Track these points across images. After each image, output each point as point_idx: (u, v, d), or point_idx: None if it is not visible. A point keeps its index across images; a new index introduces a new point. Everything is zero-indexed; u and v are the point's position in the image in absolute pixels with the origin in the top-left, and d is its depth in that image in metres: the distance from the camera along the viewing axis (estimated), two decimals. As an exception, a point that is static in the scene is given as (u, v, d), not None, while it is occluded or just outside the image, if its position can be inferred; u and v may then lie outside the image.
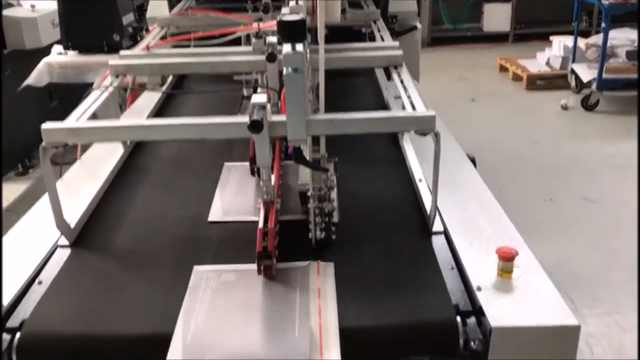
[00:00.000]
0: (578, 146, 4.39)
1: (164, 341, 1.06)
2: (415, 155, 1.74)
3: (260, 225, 1.18)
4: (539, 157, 4.26)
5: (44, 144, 1.21)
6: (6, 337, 1.08)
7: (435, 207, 1.34)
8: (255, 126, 1.10)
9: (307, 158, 1.26)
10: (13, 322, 1.11)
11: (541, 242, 3.13)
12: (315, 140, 1.34)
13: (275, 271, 1.19)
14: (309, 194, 1.28)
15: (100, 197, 1.56)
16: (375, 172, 1.71)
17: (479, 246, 1.28)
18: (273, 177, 1.28)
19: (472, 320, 1.09)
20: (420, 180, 1.59)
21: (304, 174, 1.32)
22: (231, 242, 1.35)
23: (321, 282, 1.18)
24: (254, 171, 1.43)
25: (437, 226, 1.37)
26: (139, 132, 1.20)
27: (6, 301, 1.15)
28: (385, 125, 1.28)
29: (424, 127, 1.23)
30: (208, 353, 1.02)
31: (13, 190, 3.81)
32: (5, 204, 3.75)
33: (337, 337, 1.04)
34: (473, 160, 1.80)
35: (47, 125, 1.21)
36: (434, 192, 1.32)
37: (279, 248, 1.23)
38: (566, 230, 3.35)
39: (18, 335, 1.08)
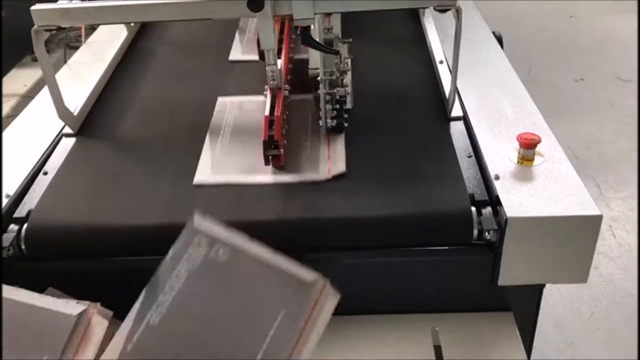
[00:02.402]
0: (615, 21, 4.13)
1: (172, 231, 1.05)
2: (436, 34, 1.63)
3: (267, 112, 1.12)
4: (573, 33, 4.03)
5: (35, 27, 1.14)
6: (14, 227, 1.07)
7: (454, 91, 1.26)
8: (255, 3, 1.01)
9: (318, 39, 1.17)
10: (20, 212, 1.10)
11: (569, 124, 3.05)
12: (329, 18, 1.24)
13: (284, 161, 1.15)
14: (319, 78, 1.20)
15: (105, 83, 1.50)
16: (393, 53, 1.61)
17: (500, 132, 1.21)
18: (281, 61, 1.21)
19: (487, 210, 1.05)
20: (441, 62, 1.49)
21: (314, 57, 1.24)
22: (242, 127, 1.30)
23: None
24: (262, 54, 1.35)
25: (456, 111, 1.30)
26: (134, 13, 1.11)
27: (12, 192, 1.13)
28: (401, 0, 1.17)
29: (444, 0, 1.12)
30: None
31: (30, 75, 3.78)
32: (22, 89, 3.74)
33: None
34: (499, 39, 1.68)
35: (37, 7, 1.13)
36: (454, 75, 1.24)
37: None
38: (596, 111, 3.23)
39: (25, 225, 1.07)
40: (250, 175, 1.15)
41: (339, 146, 1.21)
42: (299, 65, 1.42)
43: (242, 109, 1.36)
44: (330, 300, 0.96)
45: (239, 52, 1.63)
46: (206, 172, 1.16)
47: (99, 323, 0.95)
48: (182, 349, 0.90)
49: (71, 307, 0.95)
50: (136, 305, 0.95)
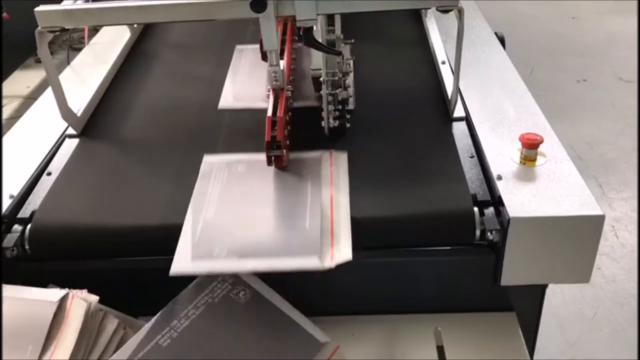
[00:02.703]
0: (617, 22, 4.13)
1: (173, 231, 1.05)
2: (439, 34, 1.63)
3: (269, 113, 1.13)
4: (575, 34, 4.03)
5: (39, 28, 1.14)
6: (18, 227, 1.08)
7: (457, 92, 1.26)
8: (258, 4, 1.01)
9: (320, 40, 1.17)
10: (24, 213, 1.10)
11: (571, 125, 3.05)
12: (330, 19, 1.25)
13: (286, 162, 1.15)
14: (321, 79, 1.20)
15: (108, 84, 1.51)
16: (395, 54, 1.62)
17: (502, 133, 1.21)
18: (284, 62, 1.21)
19: (490, 210, 1.05)
20: (443, 63, 1.49)
21: (317, 58, 1.24)
22: (241, 130, 1.30)
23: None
24: (265, 56, 1.35)
25: (458, 112, 1.30)
26: (137, 14, 1.11)
27: (16, 192, 1.13)
28: (403, 1, 1.17)
29: (446, 1, 1.12)
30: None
31: (33, 76, 3.79)
32: (25, 91, 3.75)
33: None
34: (502, 40, 1.69)
35: (41, 8, 1.14)
36: (456, 75, 1.24)
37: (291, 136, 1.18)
38: (598, 112, 3.23)
39: (29, 226, 1.07)
40: (238, 260, 0.97)
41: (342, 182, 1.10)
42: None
43: (231, 171, 1.17)
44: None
45: (230, 98, 1.38)
46: (185, 258, 0.97)
47: (79, 305, 0.95)
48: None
49: (52, 294, 0.96)
50: (149, 324, 0.95)
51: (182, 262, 0.96)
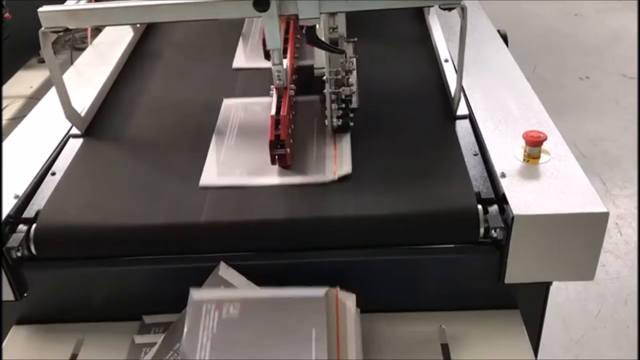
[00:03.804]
0: (620, 19, 4.12)
1: (178, 230, 1.05)
2: (442, 33, 1.63)
3: (273, 112, 1.13)
4: (578, 32, 4.02)
5: (43, 28, 1.14)
6: (23, 227, 1.08)
7: (460, 90, 1.26)
8: (261, 3, 1.01)
9: (323, 39, 1.18)
10: (29, 213, 1.11)
11: (574, 122, 3.05)
12: (333, 18, 1.25)
13: (290, 160, 1.15)
14: (324, 78, 1.20)
15: (111, 84, 1.51)
16: (398, 52, 1.61)
17: (506, 130, 1.21)
18: (287, 61, 1.21)
19: (494, 208, 1.05)
20: (446, 61, 1.49)
21: (320, 57, 1.24)
22: (248, 128, 1.30)
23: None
24: (268, 54, 1.35)
25: (461, 109, 1.30)
26: (140, 14, 1.12)
27: (21, 192, 1.14)
28: (406, -1, 1.17)
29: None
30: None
31: (36, 77, 3.81)
32: (29, 91, 3.76)
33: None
34: (505, 37, 1.68)
35: (45, 8, 1.14)
36: (459, 73, 1.24)
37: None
38: (601, 109, 3.22)
39: (34, 226, 1.08)
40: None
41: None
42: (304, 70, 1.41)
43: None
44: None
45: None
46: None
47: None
48: None
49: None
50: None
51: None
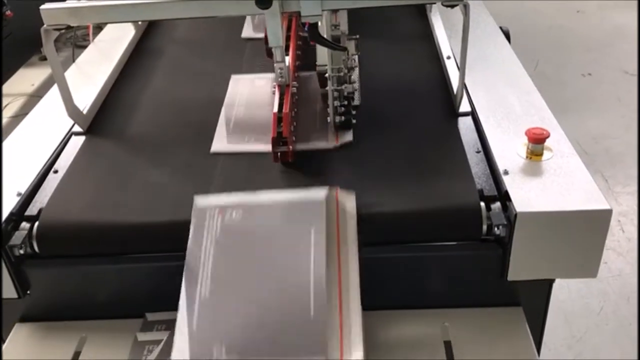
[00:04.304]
0: (623, 16, 4.11)
1: (182, 228, 1.05)
2: (444, 30, 1.62)
3: (275, 109, 1.13)
4: (580, 28, 4.01)
5: (45, 26, 1.14)
6: (25, 225, 1.08)
7: (462, 87, 1.26)
8: (263, 1, 1.01)
9: (325, 36, 1.17)
10: (31, 210, 1.11)
11: (576, 119, 3.04)
12: (335, 15, 1.25)
13: (292, 157, 1.15)
14: (327, 75, 1.20)
15: (113, 82, 1.51)
16: (400, 50, 1.61)
17: (508, 127, 1.21)
18: (289, 58, 1.21)
19: (497, 205, 1.05)
20: (448, 58, 1.49)
21: (322, 54, 1.24)
22: (247, 125, 1.30)
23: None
24: (270, 52, 1.35)
25: (464, 107, 1.29)
26: (142, 12, 1.12)
27: (23, 190, 1.14)
28: (409, -4, 1.17)
29: (451, -4, 1.12)
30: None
31: (37, 74, 3.80)
32: (30, 89, 3.76)
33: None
34: (507, 34, 1.68)
35: (46, 6, 1.14)
36: (462, 70, 1.23)
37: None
38: (603, 106, 3.21)
39: (37, 223, 1.08)
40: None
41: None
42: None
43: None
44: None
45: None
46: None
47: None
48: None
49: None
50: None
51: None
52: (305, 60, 1.39)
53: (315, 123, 1.27)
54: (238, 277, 0.96)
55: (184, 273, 0.97)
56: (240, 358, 0.89)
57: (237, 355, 0.89)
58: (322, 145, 1.20)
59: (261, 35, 1.52)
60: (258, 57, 1.50)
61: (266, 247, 0.97)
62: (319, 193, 1.01)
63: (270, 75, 1.38)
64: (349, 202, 1.02)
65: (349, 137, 1.21)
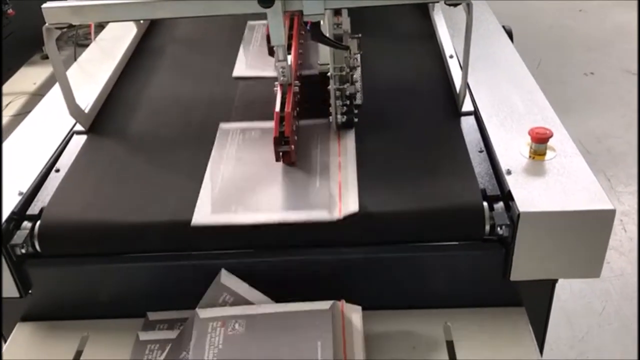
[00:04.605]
0: (625, 15, 4.10)
1: (183, 227, 1.05)
2: (446, 29, 1.62)
3: (277, 109, 1.12)
4: (583, 27, 4.00)
5: (47, 25, 1.14)
6: (27, 224, 1.08)
7: (465, 86, 1.26)
8: (265, 0, 1.00)
9: (327, 35, 1.17)
10: (33, 210, 1.11)
11: (579, 118, 3.03)
12: (338, 13, 1.24)
13: (295, 157, 1.15)
14: (329, 74, 1.20)
15: (115, 80, 1.51)
16: (403, 49, 1.61)
17: (511, 127, 1.21)
18: (291, 57, 1.20)
19: (499, 205, 1.05)
20: (451, 57, 1.48)
21: (324, 53, 1.23)
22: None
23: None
24: (272, 51, 1.35)
25: (466, 106, 1.29)
26: (144, 10, 1.11)
27: (25, 189, 1.14)
28: (411, -5, 1.16)
29: (454, -5, 1.12)
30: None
31: (39, 73, 3.81)
32: (32, 87, 3.76)
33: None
34: (509, 33, 1.68)
35: (48, 4, 1.14)
36: (465, 69, 1.23)
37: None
38: (606, 105, 3.21)
39: (38, 223, 1.08)
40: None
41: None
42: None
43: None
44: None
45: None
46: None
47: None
48: None
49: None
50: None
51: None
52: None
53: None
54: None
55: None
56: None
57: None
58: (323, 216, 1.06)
59: (256, 74, 1.46)
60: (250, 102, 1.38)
61: (271, 358, 0.94)
62: (323, 305, 0.99)
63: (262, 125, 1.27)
64: (354, 314, 1.00)
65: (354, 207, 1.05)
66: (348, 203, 1.05)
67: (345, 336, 0.97)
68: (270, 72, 1.44)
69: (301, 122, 1.26)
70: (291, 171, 1.14)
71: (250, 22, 1.53)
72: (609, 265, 2.23)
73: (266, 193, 1.09)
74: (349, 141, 1.21)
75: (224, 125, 1.28)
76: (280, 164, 1.15)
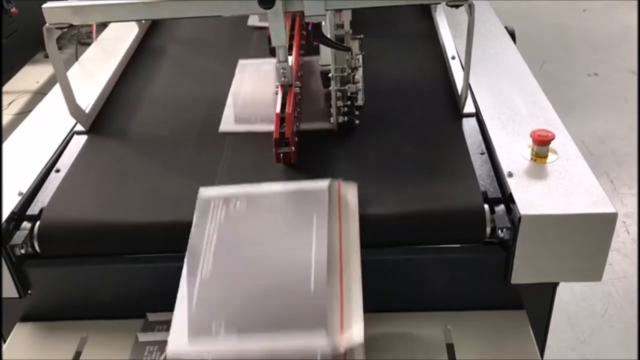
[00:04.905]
0: (630, 15, 4.08)
1: (184, 228, 1.05)
2: (449, 30, 1.61)
3: (278, 110, 1.12)
4: (586, 27, 3.99)
5: (47, 25, 1.14)
6: (27, 224, 1.08)
7: (467, 87, 1.25)
8: (266, 1, 1.00)
9: (329, 36, 1.17)
10: (32, 210, 1.10)
11: (582, 119, 3.02)
12: (339, 15, 1.24)
13: (294, 158, 1.14)
14: (330, 75, 1.19)
15: (116, 80, 1.51)
16: (405, 50, 1.60)
17: (513, 129, 1.20)
18: (292, 58, 1.20)
19: (501, 207, 1.04)
20: (453, 58, 1.48)
21: (326, 54, 1.23)
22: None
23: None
24: (273, 51, 1.34)
25: (468, 107, 1.28)
26: (146, 10, 1.11)
27: (25, 189, 1.14)
28: (413, -4, 1.16)
29: (456, -4, 1.11)
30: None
31: (42, 72, 3.81)
32: (35, 86, 3.76)
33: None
34: (512, 34, 1.67)
35: (48, 5, 1.14)
36: (466, 71, 1.22)
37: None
38: (610, 106, 3.20)
39: (38, 223, 1.07)
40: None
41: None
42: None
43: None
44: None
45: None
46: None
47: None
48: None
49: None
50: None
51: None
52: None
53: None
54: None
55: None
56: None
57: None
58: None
59: (245, 129, 1.30)
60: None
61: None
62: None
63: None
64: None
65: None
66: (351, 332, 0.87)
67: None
68: (261, 127, 1.26)
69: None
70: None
71: (241, 61, 1.49)
72: (611, 267, 2.22)
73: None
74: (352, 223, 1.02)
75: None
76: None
